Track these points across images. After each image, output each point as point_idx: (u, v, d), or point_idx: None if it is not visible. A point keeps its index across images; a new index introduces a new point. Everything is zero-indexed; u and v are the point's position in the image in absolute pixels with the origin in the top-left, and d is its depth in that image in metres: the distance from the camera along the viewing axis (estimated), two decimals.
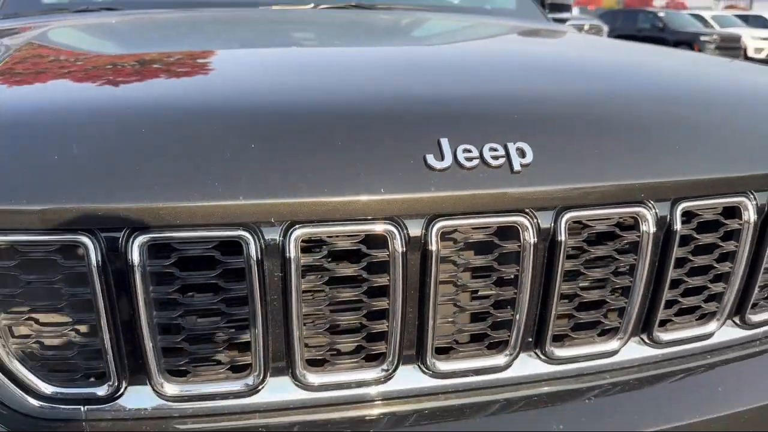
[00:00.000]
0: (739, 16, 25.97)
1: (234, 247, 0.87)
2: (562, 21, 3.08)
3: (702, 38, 20.53)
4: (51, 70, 1.20)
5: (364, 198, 0.87)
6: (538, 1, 2.93)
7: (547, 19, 2.70)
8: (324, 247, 0.89)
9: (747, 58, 21.44)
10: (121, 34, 1.70)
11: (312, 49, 1.55)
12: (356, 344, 0.96)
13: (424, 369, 0.98)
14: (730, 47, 20.88)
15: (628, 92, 1.18)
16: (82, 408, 0.89)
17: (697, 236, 1.04)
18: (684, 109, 1.14)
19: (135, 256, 0.83)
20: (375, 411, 0.96)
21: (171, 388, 0.90)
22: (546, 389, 1.02)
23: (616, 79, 1.32)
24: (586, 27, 14.00)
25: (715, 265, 1.08)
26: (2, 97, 1.00)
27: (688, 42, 20.48)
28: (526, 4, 2.72)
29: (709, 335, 1.12)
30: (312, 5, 2.26)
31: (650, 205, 0.99)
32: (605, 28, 19.28)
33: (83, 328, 0.89)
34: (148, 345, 0.87)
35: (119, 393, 0.90)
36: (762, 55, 21.83)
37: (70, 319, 0.88)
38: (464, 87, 1.12)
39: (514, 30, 2.06)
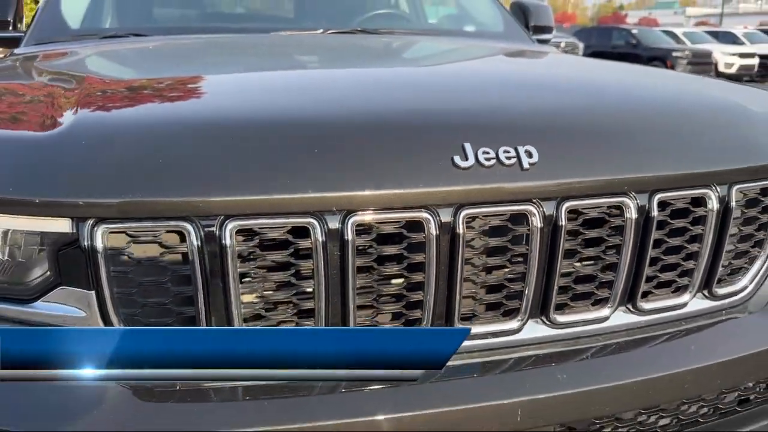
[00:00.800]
0: (710, 33, 26.59)
1: (302, 232, 1.08)
2: (545, 42, 3.32)
3: (674, 54, 21.02)
4: (141, 94, 1.42)
5: (405, 191, 1.09)
6: (523, 23, 3.18)
7: (532, 40, 2.94)
8: (373, 230, 1.11)
9: (718, 73, 21.95)
10: (173, 57, 1.92)
11: (344, 70, 1.78)
12: (397, 311, 1.17)
13: None
14: (702, 62, 21.37)
15: (613, 104, 1.43)
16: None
17: (671, 221, 1.27)
18: (659, 118, 1.38)
19: (227, 239, 1.04)
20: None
21: None
22: (550, 349, 1.24)
23: (602, 93, 1.56)
24: (563, 44, 14.40)
25: (686, 246, 1.30)
26: (111, 116, 1.21)
27: (661, 58, 20.96)
28: (513, 28, 2.96)
29: (683, 305, 1.34)
30: (321, 30, 2.49)
31: (632, 195, 1.22)
32: (580, 45, 19.75)
33: (180, 300, 1.10)
34: (235, 312, 1.08)
35: None
36: (732, 70, 22.33)
37: (171, 291, 1.08)
38: (480, 101, 1.35)
39: (508, 51, 2.31)
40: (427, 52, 2.28)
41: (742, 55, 22.78)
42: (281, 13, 3.09)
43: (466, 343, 1.20)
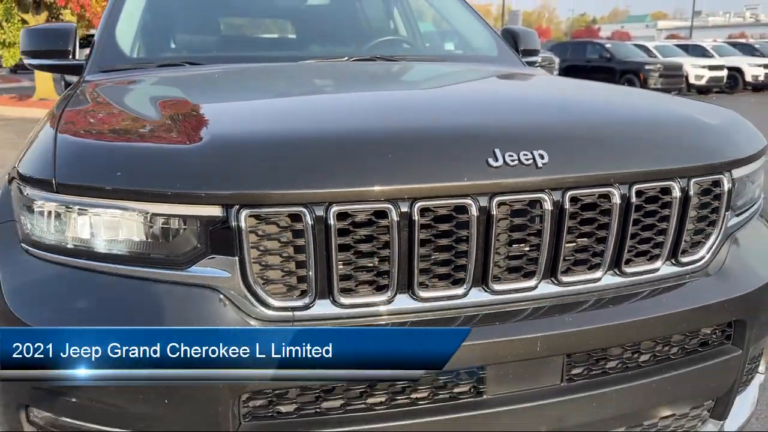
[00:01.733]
0: (680, 46, 27.38)
1: (382, 214, 1.50)
2: (532, 63, 3.77)
3: (647, 67, 21.71)
4: (250, 113, 1.84)
5: (455, 184, 1.52)
6: (513, 47, 3.62)
7: (522, 63, 3.39)
8: (431, 212, 1.53)
9: (689, 85, 22.70)
10: (246, 82, 2.36)
11: (390, 92, 2.23)
12: (447, 273, 1.59)
13: (486, 289, 1.61)
14: (673, 75, 22.07)
15: (602, 118, 1.88)
16: (292, 313, 1.51)
17: (645, 206, 1.70)
18: (636, 128, 1.83)
19: (331, 219, 1.46)
20: (460, 315, 1.59)
21: (344, 300, 1.52)
22: (558, 301, 1.66)
23: (593, 110, 2.02)
24: (539, 59, 14.92)
25: (657, 225, 1.73)
26: (239, 130, 1.63)
27: (634, 71, 21.65)
28: (506, 52, 3.42)
29: (656, 270, 1.76)
30: (346, 58, 2.92)
31: (617, 186, 1.64)
32: (556, 60, 20.35)
33: (293, 265, 1.51)
34: (335, 273, 1.49)
35: (312, 303, 1.51)
36: (702, 82, 23.12)
37: (290, 257, 1.49)
38: (503, 117, 1.80)
39: (509, 74, 2.76)
40: (441, 75, 2.73)
41: (712, 68, 23.62)
42: (301, 43, 3.50)
43: (496, 297, 1.62)
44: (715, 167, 1.79)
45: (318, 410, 1.51)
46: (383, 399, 1.54)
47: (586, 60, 22.97)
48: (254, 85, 2.35)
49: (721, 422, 1.93)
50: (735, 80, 24.63)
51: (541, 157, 1.57)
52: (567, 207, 1.60)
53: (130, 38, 3.12)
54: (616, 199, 1.64)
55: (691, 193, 1.74)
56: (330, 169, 1.48)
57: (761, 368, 2.18)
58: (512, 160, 1.55)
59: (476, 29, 3.61)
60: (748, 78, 24.78)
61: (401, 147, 1.56)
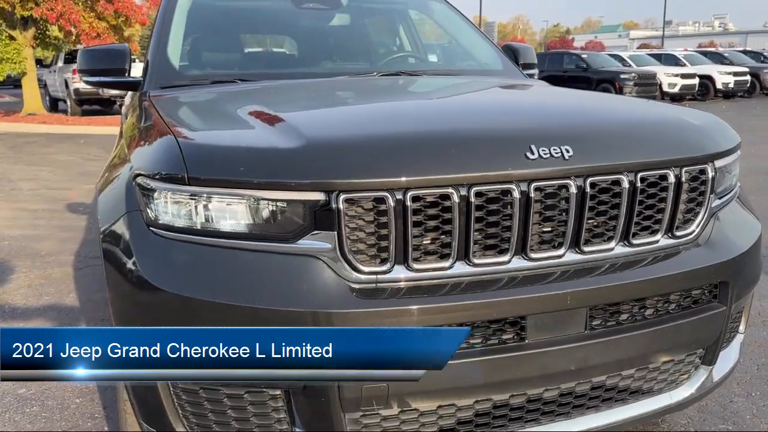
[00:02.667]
0: (653, 55, 28.11)
1: (445, 197, 1.90)
2: (531, 76, 4.20)
3: (622, 76, 22.35)
4: (326, 118, 2.25)
5: (501, 172, 1.93)
6: (514, 61, 4.05)
7: (524, 75, 3.84)
8: (483, 195, 1.94)
9: (663, 93, 23.38)
10: (308, 93, 2.77)
11: (434, 101, 2.66)
12: (494, 244, 2.00)
13: (525, 257, 2.02)
14: (647, 83, 22.72)
15: (612, 120, 2.32)
16: (376, 276, 1.91)
17: (647, 189, 2.13)
18: (639, 128, 2.27)
19: (408, 201, 1.86)
20: (505, 276, 2.00)
21: (416, 265, 1.92)
22: (581, 266, 2.08)
23: (603, 113, 2.46)
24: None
25: (657, 205, 2.16)
26: (332, 131, 2.04)
27: (610, 80, 22.27)
28: (509, 66, 3.86)
29: (657, 242, 2.18)
30: (375, 74, 3.34)
31: (626, 174, 2.07)
32: (536, 71, 20.89)
33: (375, 239, 1.91)
34: (410, 244, 1.90)
35: (391, 268, 1.92)
36: (675, 90, 23.82)
37: (375, 232, 1.89)
38: (534, 119, 2.23)
39: (519, 84, 3.21)
40: (468, 85, 3.17)
41: (684, 76, 24.36)
42: (331, 60, 3.90)
43: (532, 263, 2.03)
44: (702, 159, 2.23)
45: None
46: None
47: (564, 70, 23.63)
48: (314, 97, 2.76)
49: (710, 367, 2.37)
50: (706, 88, 25.44)
51: (567, 151, 1.99)
52: (587, 191, 2.02)
53: (179, 58, 3.50)
54: (625, 184, 2.06)
55: (683, 179, 2.17)
56: (407, 163, 1.89)
57: (741, 328, 2.62)
58: (545, 154, 1.97)
59: (482, 46, 4.06)
60: (719, 85, 25.61)
61: (459, 144, 1.98)
